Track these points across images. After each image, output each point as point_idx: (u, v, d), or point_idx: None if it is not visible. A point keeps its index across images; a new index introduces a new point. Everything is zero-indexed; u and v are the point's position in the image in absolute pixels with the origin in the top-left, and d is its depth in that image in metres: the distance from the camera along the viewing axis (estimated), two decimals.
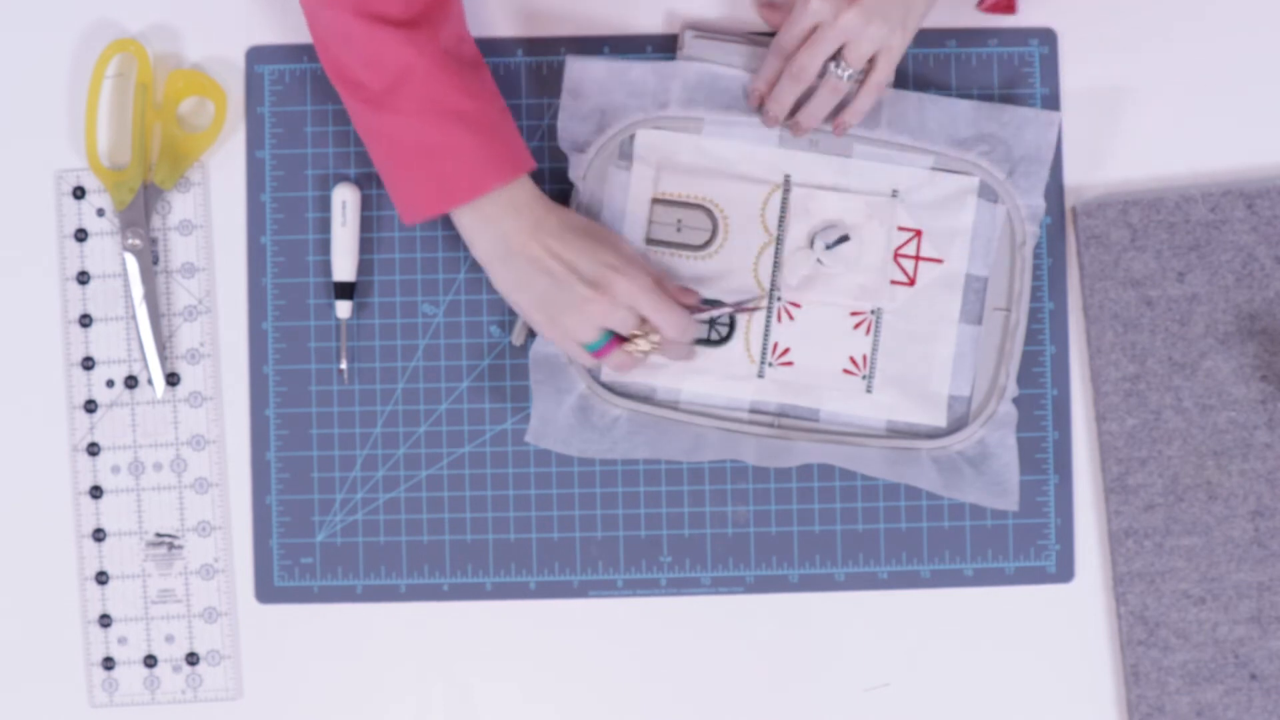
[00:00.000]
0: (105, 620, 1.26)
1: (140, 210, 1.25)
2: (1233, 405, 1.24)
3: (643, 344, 1.18)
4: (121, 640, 1.26)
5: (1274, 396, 1.24)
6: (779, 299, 1.23)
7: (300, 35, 1.27)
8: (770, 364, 1.23)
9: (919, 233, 1.23)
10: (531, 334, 1.24)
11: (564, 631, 1.26)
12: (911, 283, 1.23)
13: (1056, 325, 1.26)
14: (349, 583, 1.26)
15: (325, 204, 1.26)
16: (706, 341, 1.23)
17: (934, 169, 1.23)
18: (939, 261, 1.23)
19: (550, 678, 1.26)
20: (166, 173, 1.25)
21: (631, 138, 1.23)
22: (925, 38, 1.25)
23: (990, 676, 1.26)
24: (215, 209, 1.27)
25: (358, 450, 1.26)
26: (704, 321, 1.22)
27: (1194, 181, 1.26)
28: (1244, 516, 1.24)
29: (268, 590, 1.26)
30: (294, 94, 1.27)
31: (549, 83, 1.26)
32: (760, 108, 1.22)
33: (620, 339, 1.18)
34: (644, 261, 1.19)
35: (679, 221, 1.23)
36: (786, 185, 1.23)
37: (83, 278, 1.26)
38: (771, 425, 1.24)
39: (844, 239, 1.22)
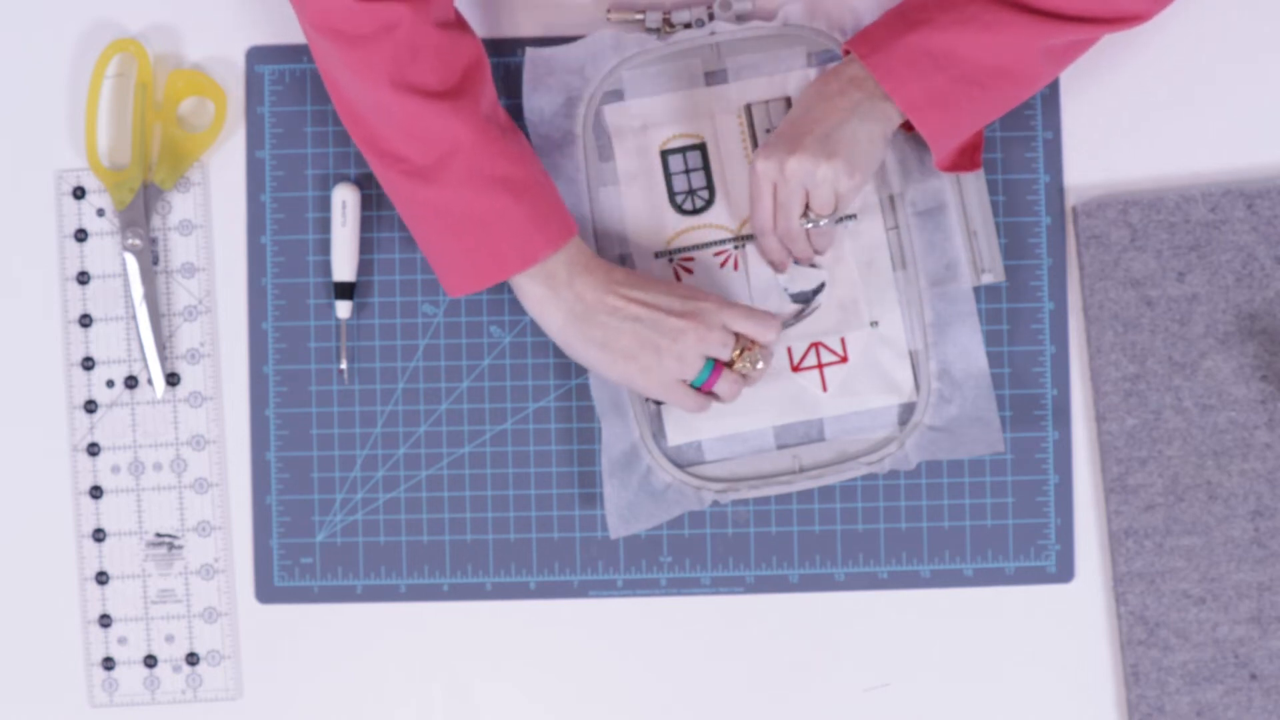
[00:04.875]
0: (105, 620, 1.26)
1: (140, 210, 1.25)
2: (1233, 405, 1.24)
3: (747, 363, 1.19)
4: (121, 640, 1.26)
5: (1274, 396, 1.24)
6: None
7: (300, 35, 1.26)
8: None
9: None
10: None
11: (564, 631, 1.26)
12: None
13: (1056, 325, 1.26)
14: (349, 583, 1.26)
15: (325, 204, 1.26)
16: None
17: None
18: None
19: (550, 678, 1.26)
20: (166, 173, 1.25)
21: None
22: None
23: (990, 676, 1.26)
24: (215, 209, 1.27)
25: (358, 450, 1.26)
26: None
27: (1194, 181, 1.26)
28: (1244, 516, 1.24)
29: (268, 590, 1.26)
30: (294, 94, 1.27)
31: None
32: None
33: (721, 365, 1.19)
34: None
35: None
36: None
37: (83, 278, 1.26)
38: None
39: (820, 288, 1.24)
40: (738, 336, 1.19)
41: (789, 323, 1.23)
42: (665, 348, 1.16)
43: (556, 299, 1.16)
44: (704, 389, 1.19)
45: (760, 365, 1.19)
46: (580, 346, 1.17)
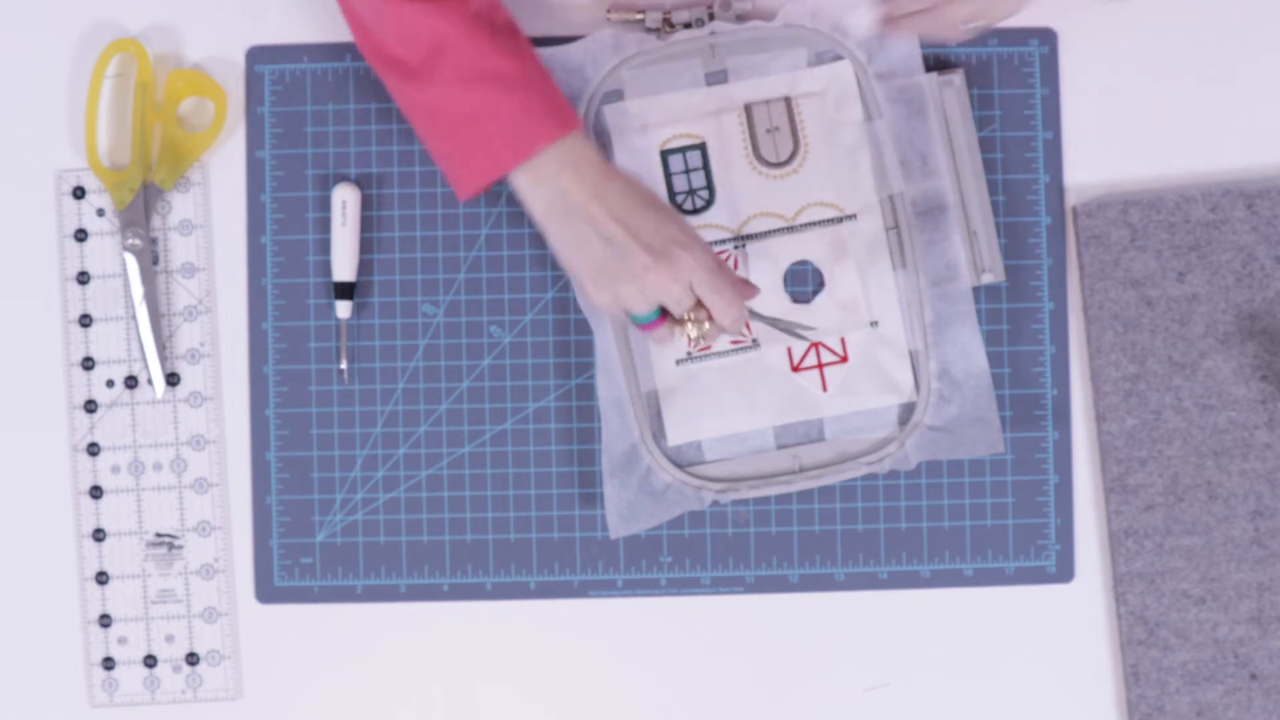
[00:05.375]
0: (105, 620, 1.26)
1: (140, 210, 1.25)
2: (1233, 405, 1.24)
3: (693, 330, 1.16)
4: (121, 640, 1.26)
5: (1274, 396, 1.24)
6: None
7: (300, 35, 1.27)
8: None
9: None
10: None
11: (564, 631, 1.26)
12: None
13: (1056, 325, 1.26)
14: (349, 583, 1.26)
15: (325, 204, 1.26)
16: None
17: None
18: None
19: (550, 678, 1.26)
20: (166, 173, 1.25)
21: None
22: (926, 38, 1.25)
23: (990, 676, 1.26)
24: (215, 209, 1.27)
25: (358, 450, 1.26)
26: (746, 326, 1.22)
27: (1194, 181, 1.26)
28: (1244, 516, 1.24)
29: (268, 590, 1.26)
30: (294, 94, 1.27)
31: None
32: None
33: (668, 316, 1.17)
34: (707, 244, 1.16)
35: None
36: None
37: (83, 278, 1.26)
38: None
39: (819, 288, 1.24)
40: (699, 304, 1.16)
41: (770, 321, 1.22)
42: (624, 279, 1.14)
43: (539, 190, 1.14)
44: (641, 328, 1.18)
45: (707, 339, 1.17)
46: (552, 238, 1.15)
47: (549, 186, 1.14)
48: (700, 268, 1.14)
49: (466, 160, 1.14)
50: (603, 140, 1.25)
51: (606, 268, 1.14)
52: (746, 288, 1.17)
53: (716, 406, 1.24)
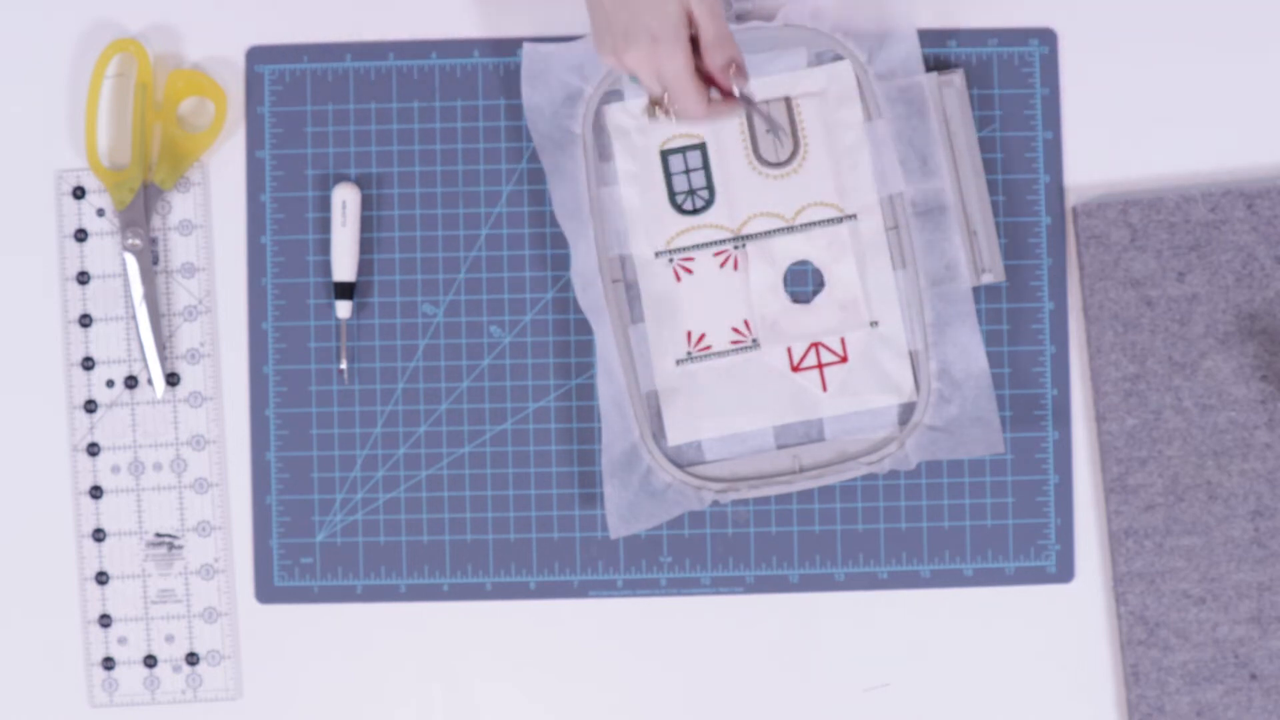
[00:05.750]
0: (105, 620, 1.26)
1: (140, 210, 1.25)
2: (1233, 405, 1.24)
3: (660, 111, 1.12)
4: (121, 640, 1.26)
5: (1274, 396, 1.24)
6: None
7: (300, 35, 1.27)
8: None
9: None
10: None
11: (564, 631, 1.26)
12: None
13: (1056, 325, 1.26)
14: (349, 583, 1.26)
15: (325, 204, 1.26)
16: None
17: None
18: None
19: (550, 678, 1.26)
20: (166, 173, 1.25)
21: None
22: (926, 38, 1.25)
23: (990, 676, 1.26)
24: (215, 209, 1.27)
25: (358, 450, 1.26)
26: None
27: (1194, 181, 1.26)
28: (1244, 516, 1.24)
29: (268, 590, 1.26)
30: (294, 94, 1.27)
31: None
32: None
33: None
34: (683, 41, 1.10)
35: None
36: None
37: (83, 278, 1.26)
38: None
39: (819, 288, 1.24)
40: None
41: (755, 108, 1.17)
42: (606, 49, 1.11)
43: None
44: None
45: (670, 121, 1.14)
46: None
47: None
48: (668, 59, 1.09)
49: None
50: (602, 140, 1.25)
51: (596, 31, 1.11)
52: (710, 108, 1.13)
53: (716, 406, 1.24)
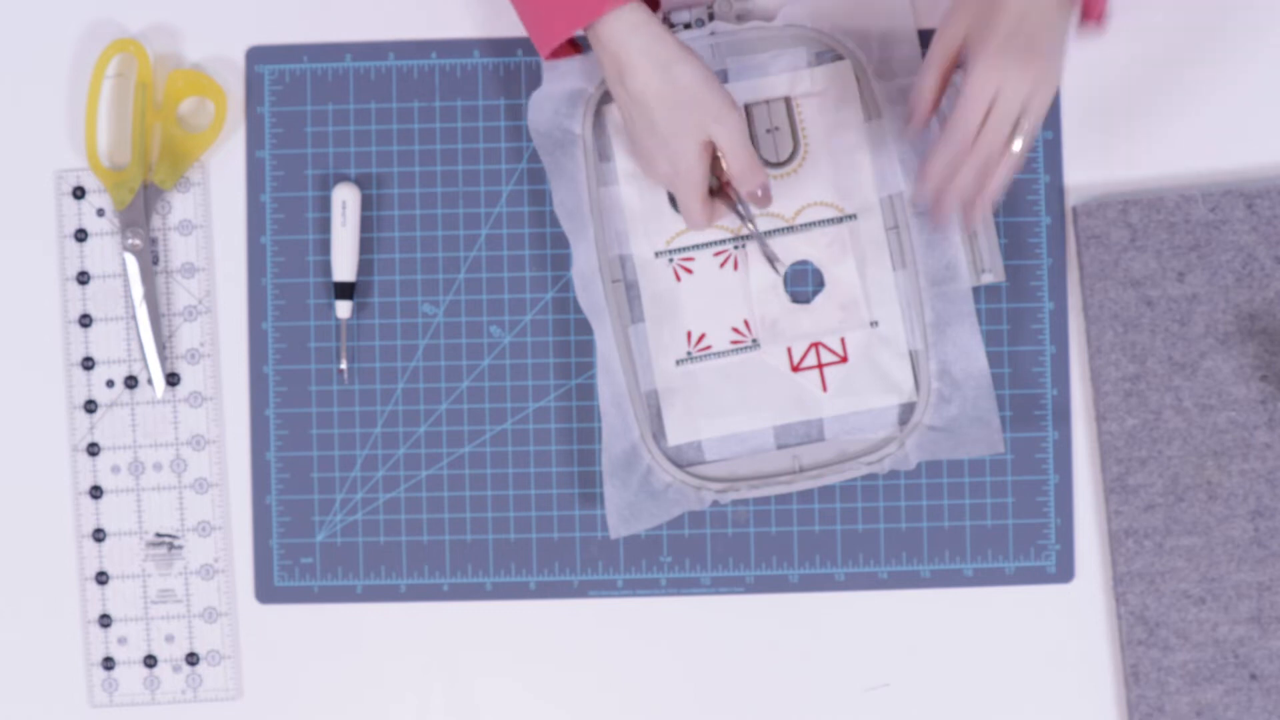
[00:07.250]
0: (105, 620, 1.26)
1: (140, 210, 1.25)
2: (1233, 405, 1.24)
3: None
4: (121, 640, 1.26)
5: (1274, 396, 1.24)
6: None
7: (300, 35, 1.27)
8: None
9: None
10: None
11: (564, 631, 1.26)
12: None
13: (1056, 325, 1.26)
14: (349, 583, 1.26)
15: (325, 204, 1.26)
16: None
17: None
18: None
19: (550, 678, 1.26)
20: (166, 173, 1.25)
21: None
22: (926, 38, 1.25)
23: (990, 676, 1.26)
24: (215, 209, 1.27)
25: (358, 450, 1.26)
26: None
27: (1194, 181, 1.26)
28: (1244, 516, 1.24)
29: (268, 590, 1.26)
30: (294, 94, 1.27)
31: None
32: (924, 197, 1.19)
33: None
34: (699, 177, 1.18)
35: None
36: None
37: (83, 278, 1.27)
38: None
39: (819, 288, 1.24)
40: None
41: (758, 236, 1.24)
42: (638, 155, 1.21)
43: (637, 34, 1.15)
44: None
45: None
46: (617, 100, 1.19)
47: (603, 53, 1.16)
48: (678, 194, 1.19)
49: (539, 21, 1.16)
50: (603, 140, 1.25)
51: (630, 140, 1.21)
52: (714, 219, 1.21)
53: (716, 406, 1.24)
